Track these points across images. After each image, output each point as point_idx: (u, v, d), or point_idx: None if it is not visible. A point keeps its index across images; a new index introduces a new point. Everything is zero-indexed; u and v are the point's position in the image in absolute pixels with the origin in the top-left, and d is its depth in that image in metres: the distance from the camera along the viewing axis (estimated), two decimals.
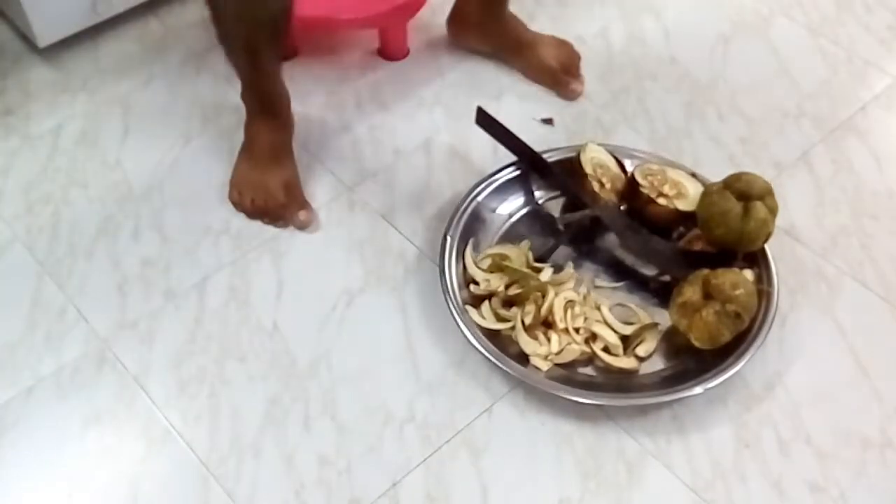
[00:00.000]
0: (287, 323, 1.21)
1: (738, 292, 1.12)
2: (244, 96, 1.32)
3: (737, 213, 1.17)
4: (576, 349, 1.15)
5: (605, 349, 1.16)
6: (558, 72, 1.50)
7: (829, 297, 1.26)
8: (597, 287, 1.24)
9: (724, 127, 1.47)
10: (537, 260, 1.24)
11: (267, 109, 1.31)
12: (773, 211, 1.19)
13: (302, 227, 1.31)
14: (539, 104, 1.50)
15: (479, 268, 1.22)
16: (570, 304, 1.18)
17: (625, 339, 1.17)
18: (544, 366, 1.14)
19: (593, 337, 1.17)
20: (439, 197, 1.36)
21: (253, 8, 1.15)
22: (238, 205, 1.33)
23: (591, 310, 1.19)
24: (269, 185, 1.31)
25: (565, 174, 1.30)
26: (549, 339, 1.15)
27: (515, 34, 1.52)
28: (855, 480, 1.10)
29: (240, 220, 1.33)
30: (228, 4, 1.16)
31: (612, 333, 1.17)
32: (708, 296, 1.13)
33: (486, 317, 1.18)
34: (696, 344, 1.14)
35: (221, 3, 1.16)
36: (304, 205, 1.32)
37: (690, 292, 1.14)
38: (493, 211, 1.30)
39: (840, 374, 1.19)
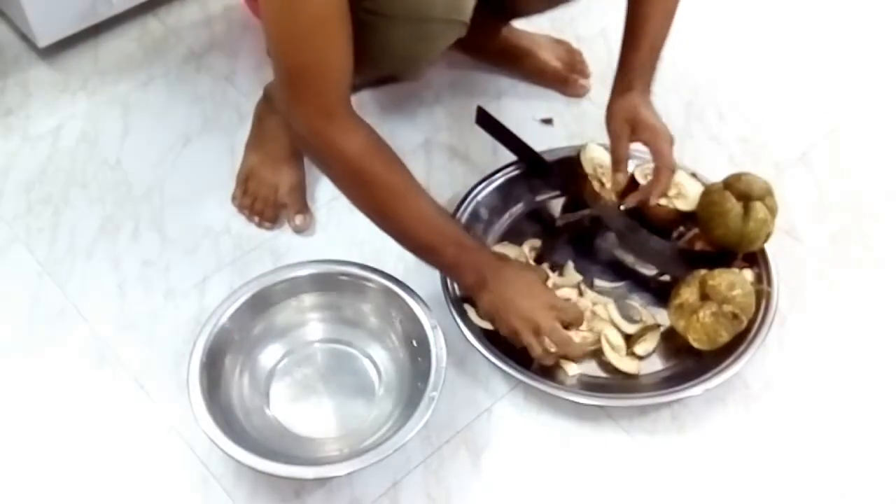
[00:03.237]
0: None
1: (734, 293, 1.12)
2: (276, 94, 1.31)
3: (737, 214, 1.17)
4: (589, 340, 1.15)
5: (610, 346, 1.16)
6: (563, 71, 1.50)
7: (829, 297, 1.26)
8: (596, 287, 1.23)
9: (724, 127, 1.48)
10: (536, 260, 1.24)
11: None
12: (773, 211, 1.19)
13: (298, 231, 1.31)
14: (539, 104, 1.50)
15: None
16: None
17: (627, 338, 1.17)
18: (571, 369, 1.14)
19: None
20: (439, 197, 1.35)
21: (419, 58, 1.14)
22: (236, 199, 1.33)
23: (601, 307, 1.19)
24: (277, 185, 1.31)
25: (565, 174, 1.30)
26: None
27: (509, 44, 1.50)
28: (857, 480, 1.10)
29: (240, 220, 1.33)
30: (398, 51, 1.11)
31: (617, 333, 1.17)
32: (705, 297, 1.13)
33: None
34: (695, 345, 1.14)
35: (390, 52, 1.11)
36: (304, 209, 1.32)
37: (687, 294, 1.14)
38: (493, 211, 1.30)
39: (840, 373, 1.19)
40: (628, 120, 1.19)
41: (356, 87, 1.33)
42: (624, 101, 1.20)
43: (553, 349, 1.10)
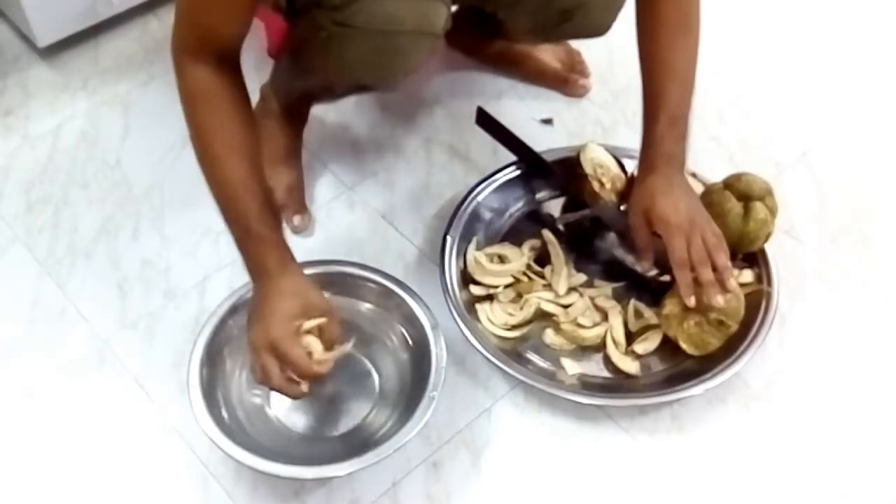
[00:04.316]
0: None
1: None
2: (272, 94, 1.31)
3: (737, 214, 1.17)
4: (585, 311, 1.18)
5: (613, 341, 1.17)
6: (562, 71, 1.50)
7: (829, 297, 1.26)
8: (596, 286, 1.23)
9: (724, 127, 1.48)
10: (537, 260, 1.24)
11: (292, 112, 1.31)
12: (773, 211, 1.19)
13: (296, 231, 1.31)
14: (539, 104, 1.50)
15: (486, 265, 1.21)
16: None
17: (629, 335, 1.18)
18: (571, 369, 1.14)
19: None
20: (439, 197, 1.36)
21: (393, 70, 1.11)
22: None
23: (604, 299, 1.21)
24: (274, 185, 1.31)
25: (565, 174, 1.30)
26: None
27: (507, 46, 1.50)
28: (857, 480, 1.10)
29: None
30: (362, 61, 1.08)
31: (622, 329, 1.17)
32: (688, 307, 1.12)
33: (494, 320, 1.18)
34: (688, 351, 1.14)
35: (355, 58, 1.07)
36: (302, 209, 1.32)
37: (671, 305, 1.14)
38: (493, 211, 1.30)
39: (840, 373, 1.19)
40: (644, 211, 1.12)
41: (336, 97, 1.34)
42: (643, 188, 1.13)
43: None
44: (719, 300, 1.08)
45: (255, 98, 1.35)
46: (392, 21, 1.04)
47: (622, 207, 1.26)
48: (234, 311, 1.11)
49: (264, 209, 1.01)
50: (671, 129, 1.14)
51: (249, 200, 0.99)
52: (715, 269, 1.09)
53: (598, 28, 1.26)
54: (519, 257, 1.23)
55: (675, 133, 1.14)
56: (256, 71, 1.49)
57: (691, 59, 1.15)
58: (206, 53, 1.01)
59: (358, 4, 1.02)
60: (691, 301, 1.09)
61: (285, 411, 1.11)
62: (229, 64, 1.03)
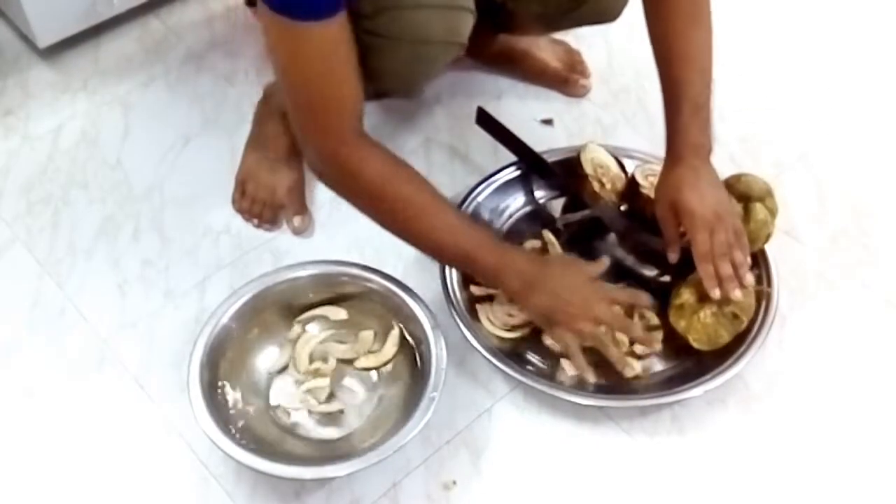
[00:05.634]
0: None
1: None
2: (274, 93, 1.31)
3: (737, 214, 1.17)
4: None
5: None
6: (563, 71, 1.50)
7: (829, 297, 1.26)
8: None
9: (724, 127, 1.47)
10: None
11: None
12: (773, 212, 1.19)
13: (296, 232, 1.31)
14: (539, 104, 1.50)
15: None
16: None
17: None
18: (571, 369, 1.14)
19: None
20: None
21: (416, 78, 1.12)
22: (235, 201, 1.33)
23: None
24: (275, 185, 1.31)
25: (565, 174, 1.30)
26: None
27: (508, 46, 1.50)
28: (857, 480, 1.10)
29: (240, 220, 1.33)
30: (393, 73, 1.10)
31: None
32: (705, 297, 1.12)
33: (494, 320, 1.18)
34: (695, 345, 1.14)
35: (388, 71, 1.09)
36: (302, 210, 1.32)
37: (687, 294, 1.14)
38: (494, 211, 1.30)
39: (840, 374, 1.19)
40: (671, 204, 1.12)
41: None
42: (669, 178, 1.13)
43: (622, 338, 1.14)
44: (737, 294, 1.09)
45: (256, 99, 1.37)
46: (423, 31, 1.04)
47: (622, 207, 1.26)
48: (234, 312, 1.11)
49: (490, 230, 1.18)
50: (695, 118, 1.13)
51: (482, 230, 1.12)
52: (733, 264, 1.10)
53: (609, 13, 1.25)
54: None
55: (700, 122, 1.13)
56: (256, 71, 1.49)
57: (707, 47, 1.14)
58: (355, 133, 1.02)
59: (390, 14, 1.02)
60: (716, 293, 1.09)
61: (286, 411, 1.11)
62: (363, 132, 1.04)
